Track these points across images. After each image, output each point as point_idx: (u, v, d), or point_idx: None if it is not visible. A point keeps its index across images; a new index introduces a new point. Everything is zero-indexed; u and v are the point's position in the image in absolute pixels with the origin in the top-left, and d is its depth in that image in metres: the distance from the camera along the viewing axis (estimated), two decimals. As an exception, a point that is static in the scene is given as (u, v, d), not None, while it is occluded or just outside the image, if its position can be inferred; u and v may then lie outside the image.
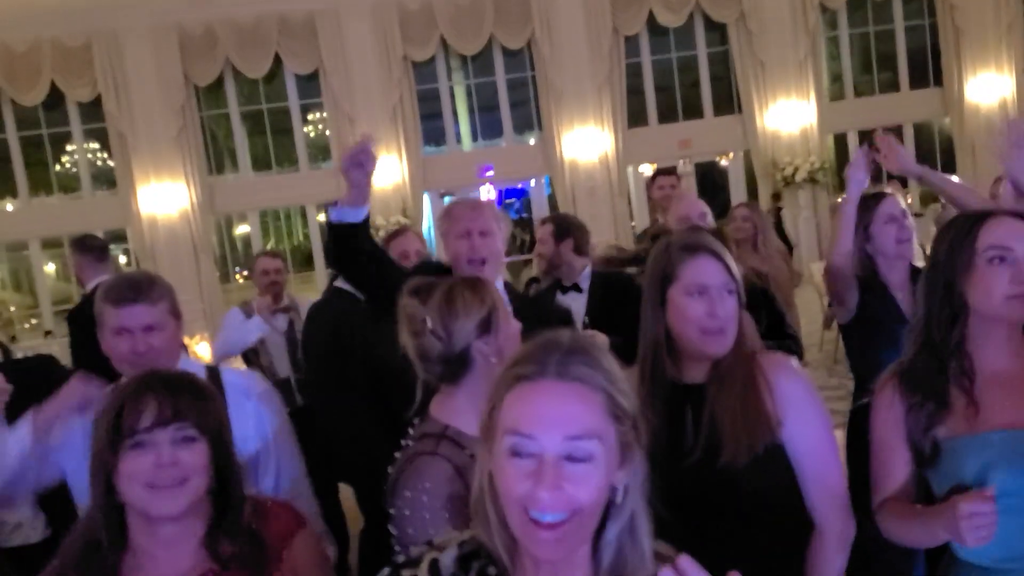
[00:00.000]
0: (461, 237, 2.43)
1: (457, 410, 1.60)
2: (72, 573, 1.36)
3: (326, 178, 11.94)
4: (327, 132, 12.32)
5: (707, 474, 1.56)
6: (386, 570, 1.08)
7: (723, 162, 12.80)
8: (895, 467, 1.58)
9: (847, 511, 1.62)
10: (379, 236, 3.85)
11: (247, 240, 12.94)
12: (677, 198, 3.61)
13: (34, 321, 12.24)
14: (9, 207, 11.89)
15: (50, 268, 12.84)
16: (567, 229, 3.36)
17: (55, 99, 11.31)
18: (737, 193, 12.32)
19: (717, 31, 12.27)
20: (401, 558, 1.08)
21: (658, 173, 4.92)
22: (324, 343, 3.39)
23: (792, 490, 1.61)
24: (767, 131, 12.02)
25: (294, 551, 1.45)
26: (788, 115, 12.03)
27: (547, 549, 0.95)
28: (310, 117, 12.32)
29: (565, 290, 3.34)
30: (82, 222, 11.71)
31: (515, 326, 1.71)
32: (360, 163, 2.24)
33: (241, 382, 2.00)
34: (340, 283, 3.44)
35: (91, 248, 4.09)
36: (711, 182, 12.64)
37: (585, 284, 3.31)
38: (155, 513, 1.36)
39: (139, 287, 1.87)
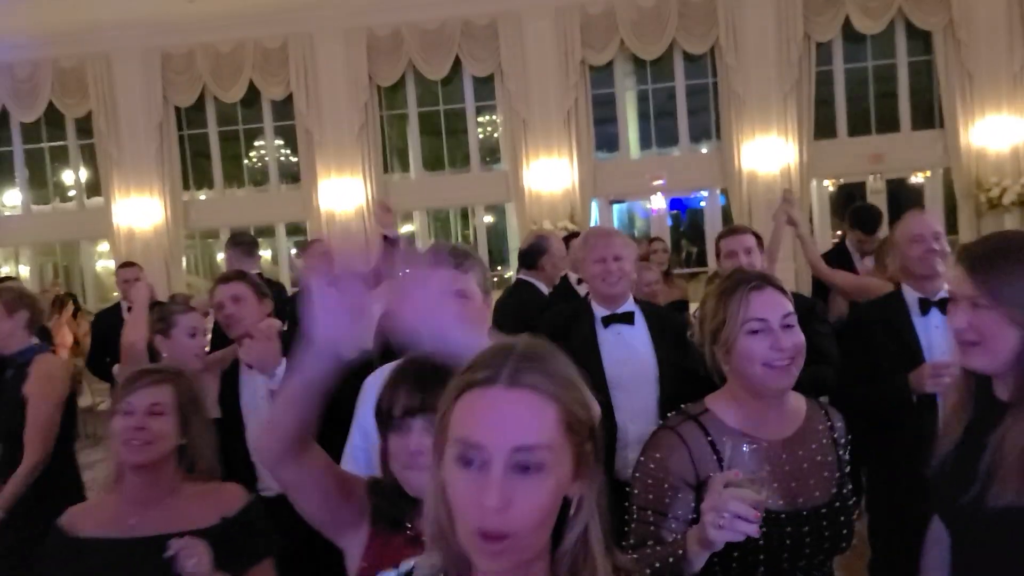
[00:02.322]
0: (598, 262, 2.85)
1: (722, 398, 1.70)
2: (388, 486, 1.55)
3: (495, 179, 12.07)
4: (495, 135, 12.45)
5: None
6: None
7: (919, 179, 11.83)
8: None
9: None
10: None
11: (411, 239, 13.26)
12: (906, 215, 3.14)
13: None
14: (202, 197, 12.77)
15: (219, 257, 13.67)
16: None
17: (251, 97, 12.05)
18: (934, 213, 11.29)
19: (920, 39, 11.36)
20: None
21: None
22: (511, 331, 3.46)
23: None
24: (972, 148, 10.99)
25: None
26: (997, 132, 10.95)
27: (493, 562, 0.91)
28: (481, 119, 12.47)
29: None
30: (267, 214, 12.48)
31: (763, 344, 1.69)
32: None
33: None
34: (523, 275, 3.82)
35: (242, 243, 4.55)
36: (903, 201, 11.72)
37: None
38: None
39: (457, 254, 2.02)
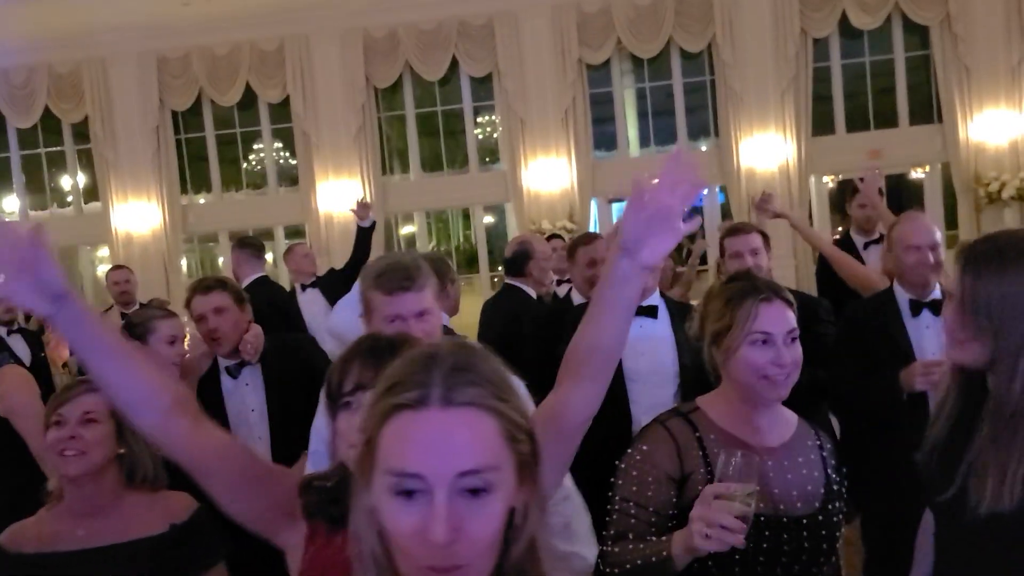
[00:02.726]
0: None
1: (713, 399, 1.73)
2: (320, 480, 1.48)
3: (493, 180, 12.05)
4: (494, 135, 12.44)
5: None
6: None
7: (918, 174, 11.83)
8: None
9: None
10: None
11: (411, 240, 13.24)
12: (908, 219, 3.04)
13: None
14: (201, 201, 12.75)
15: (220, 261, 13.65)
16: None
17: (248, 100, 12.02)
18: (933, 208, 11.34)
19: (917, 34, 11.35)
20: None
21: (855, 188, 4.51)
22: (499, 335, 3.70)
23: None
24: (971, 143, 10.98)
25: None
26: (996, 126, 10.94)
27: None
28: (479, 119, 12.45)
29: None
30: (266, 217, 12.45)
31: (764, 356, 1.71)
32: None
33: None
34: (511, 280, 3.83)
35: (250, 245, 4.56)
36: (902, 196, 11.71)
37: None
38: None
39: (410, 275, 1.94)
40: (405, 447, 0.85)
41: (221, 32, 11.34)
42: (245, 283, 4.36)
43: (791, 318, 1.68)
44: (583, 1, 11.19)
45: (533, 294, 3.93)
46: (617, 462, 1.70)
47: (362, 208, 4.98)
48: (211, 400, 2.66)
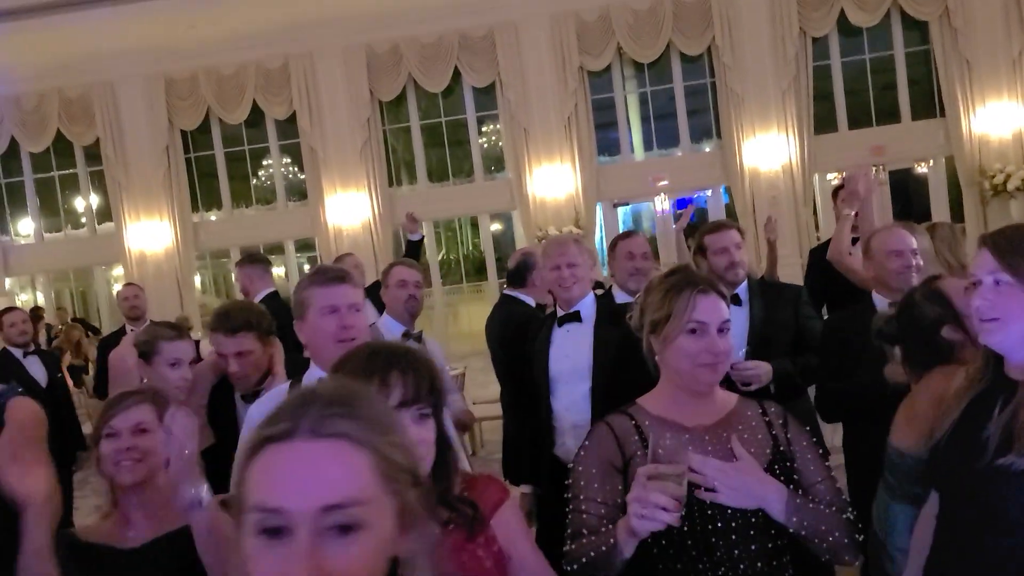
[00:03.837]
0: (553, 269, 3.01)
1: (651, 393, 1.78)
2: None
3: (499, 188, 12.16)
4: (499, 144, 12.55)
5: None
6: None
7: (922, 168, 11.83)
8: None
9: None
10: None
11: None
12: (885, 228, 3.08)
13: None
14: (212, 217, 12.93)
15: (232, 276, 13.84)
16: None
17: (255, 117, 12.21)
18: (938, 202, 11.36)
19: (916, 29, 11.38)
20: None
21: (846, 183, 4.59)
22: (498, 344, 3.79)
23: None
24: (974, 135, 11.00)
25: (501, 518, 1.54)
26: (999, 118, 10.95)
27: None
28: (484, 129, 12.57)
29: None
30: (276, 232, 12.62)
31: (699, 344, 1.76)
32: None
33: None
34: (508, 290, 3.84)
35: (259, 261, 4.65)
36: (907, 191, 11.72)
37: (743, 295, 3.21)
38: None
39: (342, 272, 2.13)
40: (268, 480, 0.80)
41: (227, 53, 11.54)
42: (257, 299, 4.43)
43: (724, 310, 1.75)
44: (582, 9, 11.30)
45: (531, 302, 4.00)
46: (569, 465, 1.77)
47: (411, 222, 5.04)
48: (224, 421, 2.62)
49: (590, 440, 1.74)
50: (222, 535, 1.70)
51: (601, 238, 11.56)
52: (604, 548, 1.56)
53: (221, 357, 2.65)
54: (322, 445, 0.80)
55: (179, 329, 2.80)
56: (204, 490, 1.76)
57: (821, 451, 1.78)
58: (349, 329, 2.10)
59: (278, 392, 2.12)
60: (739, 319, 3.04)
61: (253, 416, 2.12)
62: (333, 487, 0.79)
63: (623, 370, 2.60)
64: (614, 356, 2.83)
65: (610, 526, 1.60)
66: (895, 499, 1.88)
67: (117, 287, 13.79)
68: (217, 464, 2.07)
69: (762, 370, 2.80)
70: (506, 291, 4.02)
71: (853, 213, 3.59)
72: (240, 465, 0.83)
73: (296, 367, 2.79)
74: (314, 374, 2.12)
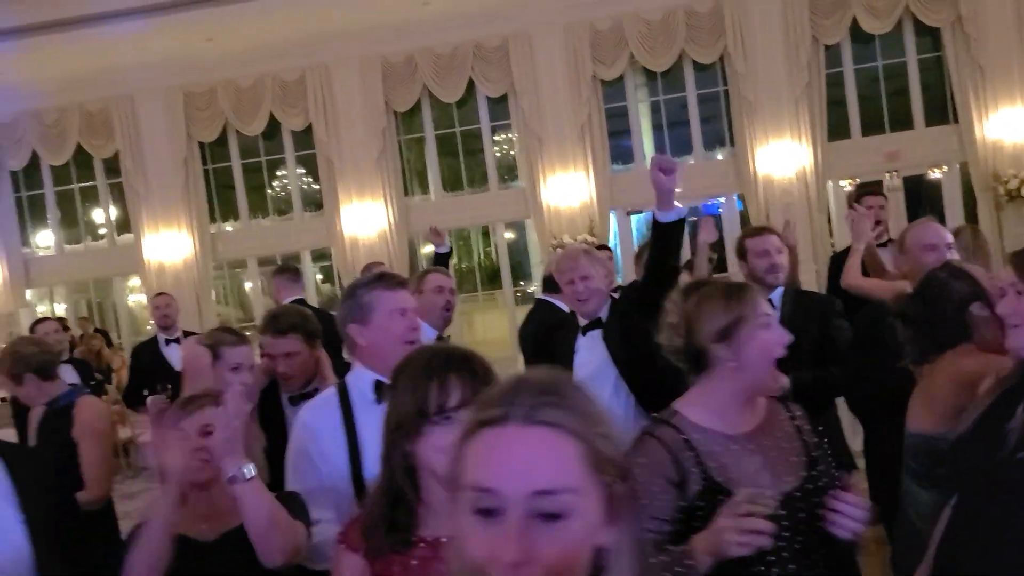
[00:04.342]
0: (568, 284, 3.13)
1: (689, 401, 1.78)
2: (380, 518, 1.51)
3: (513, 197, 12.23)
4: (512, 153, 12.63)
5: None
6: None
7: (936, 175, 11.84)
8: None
9: None
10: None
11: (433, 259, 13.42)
12: (920, 224, 3.21)
13: (248, 334, 13.30)
14: (229, 228, 13.06)
15: (247, 286, 13.94)
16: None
17: (272, 129, 12.35)
18: (952, 208, 11.36)
19: (929, 36, 11.41)
20: None
21: (863, 193, 4.60)
22: (531, 349, 3.92)
23: None
24: (987, 141, 10.99)
25: None
26: (1013, 124, 10.94)
27: None
28: (497, 138, 12.66)
29: None
30: (292, 242, 12.73)
31: (773, 336, 1.76)
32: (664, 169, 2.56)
33: None
34: (542, 295, 3.96)
35: (288, 270, 4.80)
36: (921, 197, 11.73)
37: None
38: None
39: (402, 278, 2.22)
40: (483, 462, 0.85)
41: (244, 65, 11.69)
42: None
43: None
44: (595, 19, 11.38)
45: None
46: None
47: (435, 235, 5.02)
48: (273, 423, 2.64)
49: (642, 455, 1.72)
50: (267, 509, 1.84)
51: (615, 245, 11.60)
52: (678, 569, 1.59)
53: (269, 359, 2.72)
54: (534, 432, 0.84)
55: (240, 335, 2.88)
56: (248, 466, 1.85)
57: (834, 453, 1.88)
58: (416, 331, 2.16)
59: (329, 395, 2.19)
60: None
61: (303, 419, 2.17)
62: (544, 473, 0.83)
63: (643, 363, 2.70)
64: (627, 354, 2.94)
65: (671, 547, 1.63)
66: (923, 486, 1.93)
67: (133, 298, 13.98)
68: (270, 466, 2.15)
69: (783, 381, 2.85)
70: (541, 296, 4.07)
71: (863, 246, 3.68)
72: (457, 445, 0.89)
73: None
74: (361, 375, 2.17)
